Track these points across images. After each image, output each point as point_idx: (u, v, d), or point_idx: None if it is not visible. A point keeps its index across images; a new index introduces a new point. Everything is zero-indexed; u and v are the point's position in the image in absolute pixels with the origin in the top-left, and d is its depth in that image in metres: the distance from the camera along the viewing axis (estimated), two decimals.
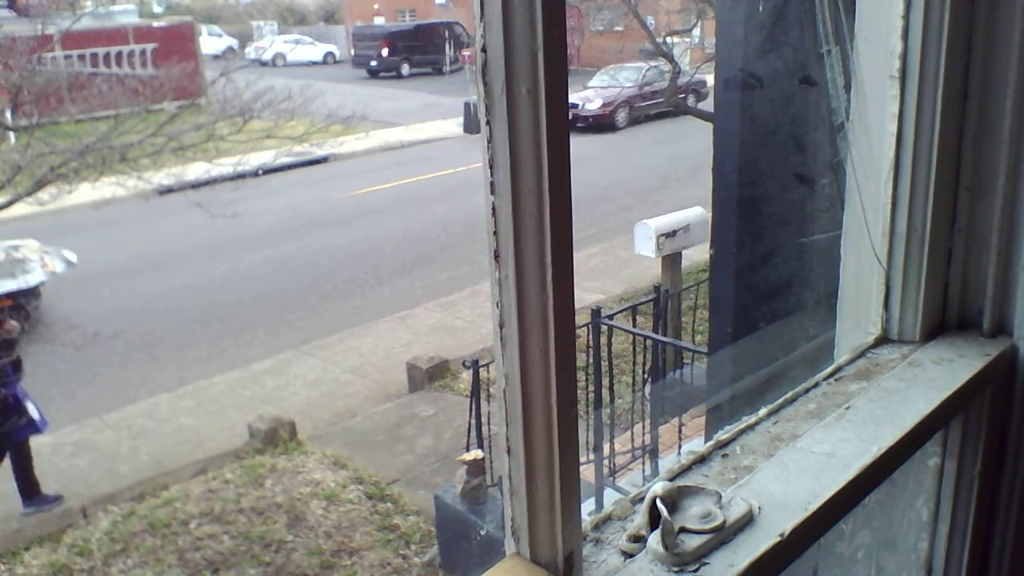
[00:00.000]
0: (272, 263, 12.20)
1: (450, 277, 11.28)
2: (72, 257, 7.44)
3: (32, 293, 7.47)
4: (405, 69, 32.85)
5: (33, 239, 7.70)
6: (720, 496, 0.92)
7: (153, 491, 6.88)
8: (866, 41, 1.24)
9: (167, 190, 10.93)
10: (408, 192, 15.88)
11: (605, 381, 6.06)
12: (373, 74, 32.55)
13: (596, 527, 0.90)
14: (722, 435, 1.06)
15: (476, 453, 5.70)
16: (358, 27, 36.78)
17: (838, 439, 1.05)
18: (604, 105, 20.34)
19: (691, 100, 15.24)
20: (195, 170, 11.19)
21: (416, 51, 32.98)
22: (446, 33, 33.17)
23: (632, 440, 6.23)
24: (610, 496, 5.65)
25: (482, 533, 5.47)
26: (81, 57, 17.35)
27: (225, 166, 10.56)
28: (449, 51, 31.78)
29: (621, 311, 7.07)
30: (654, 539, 0.85)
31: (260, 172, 11.71)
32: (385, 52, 32.55)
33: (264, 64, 31.51)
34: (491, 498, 5.65)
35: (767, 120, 2.27)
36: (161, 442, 7.71)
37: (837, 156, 1.92)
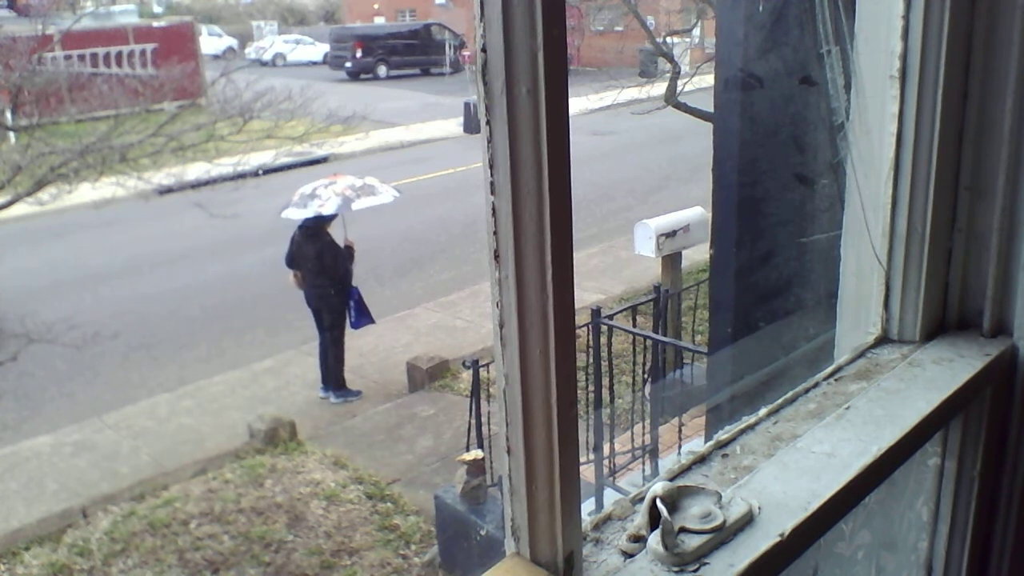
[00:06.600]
0: (272, 263, 12.15)
1: (450, 277, 11.27)
2: (396, 193, 9.42)
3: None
4: (382, 71, 31.70)
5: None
6: (720, 496, 0.92)
7: (153, 491, 6.88)
8: (866, 41, 1.24)
9: (167, 190, 10.95)
10: (408, 192, 15.84)
11: (605, 381, 6.05)
12: (352, 75, 31.31)
13: (596, 527, 0.90)
14: (722, 435, 1.06)
15: (476, 453, 5.69)
16: (334, 28, 36.12)
17: (838, 439, 1.05)
18: None
19: None
20: (195, 170, 11.21)
21: (395, 52, 31.95)
22: (431, 34, 32.54)
23: (632, 440, 6.22)
24: (610, 496, 5.64)
25: (482, 533, 5.46)
26: (81, 57, 17.35)
27: (225, 166, 10.58)
28: (449, 52, 31.44)
29: (621, 311, 7.05)
30: (654, 539, 0.85)
31: (260, 172, 11.73)
32: (359, 54, 31.46)
33: (264, 64, 31.36)
34: (491, 498, 5.64)
35: (767, 120, 2.27)
36: (161, 442, 7.71)
37: (837, 156, 1.92)
